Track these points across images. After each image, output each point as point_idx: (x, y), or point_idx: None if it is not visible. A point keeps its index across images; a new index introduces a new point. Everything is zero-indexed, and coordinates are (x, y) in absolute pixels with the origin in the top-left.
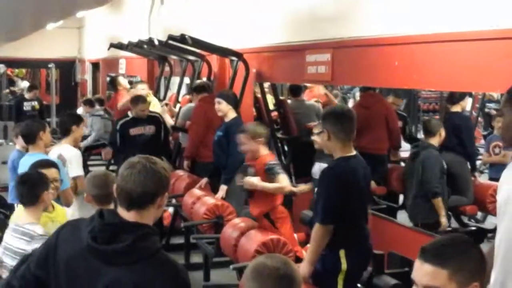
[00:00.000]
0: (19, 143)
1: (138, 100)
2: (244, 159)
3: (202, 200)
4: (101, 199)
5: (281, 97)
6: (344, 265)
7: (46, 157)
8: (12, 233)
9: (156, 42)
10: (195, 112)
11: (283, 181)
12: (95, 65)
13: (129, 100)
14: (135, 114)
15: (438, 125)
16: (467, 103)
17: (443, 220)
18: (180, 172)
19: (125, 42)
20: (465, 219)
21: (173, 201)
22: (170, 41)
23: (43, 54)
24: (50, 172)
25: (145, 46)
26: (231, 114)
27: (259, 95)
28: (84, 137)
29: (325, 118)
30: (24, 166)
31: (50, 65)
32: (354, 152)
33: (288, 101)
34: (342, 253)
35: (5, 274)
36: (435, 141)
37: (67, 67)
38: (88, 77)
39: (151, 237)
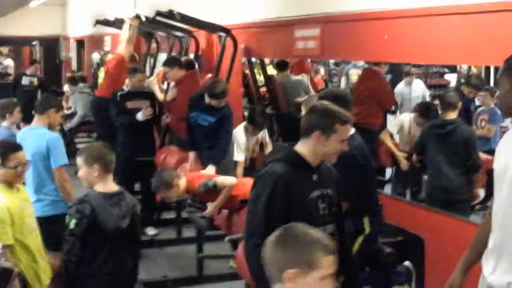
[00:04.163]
0: (11, 119)
1: (136, 70)
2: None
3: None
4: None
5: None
6: (367, 230)
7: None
8: None
9: (144, 18)
10: (180, 87)
11: (225, 182)
12: (80, 43)
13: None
14: (132, 86)
15: (457, 97)
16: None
17: (479, 192)
18: (171, 147)
19: (111, 18)
20: None
21: None
22: (158, 17)
23: (27, 32)
24: (19, 155)
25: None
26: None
27: (247, 71)
28: (68, 116)
29: (325, 98)
30: (22, 138)
31: (34, 43)
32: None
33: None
34: (366, 220)
35: None
36: (456, 114)
37: (51, 44)
38: (73, 54)
39: None
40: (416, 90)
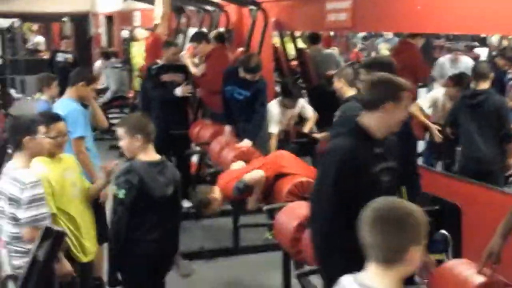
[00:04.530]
0: (49, 93)
1: (170, 44)
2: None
3: (230, 147)
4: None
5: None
6: (405, 198)
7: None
8: (4, 177)
9: None
10: (209, 62)
11: (254, 177)
12: (109, 18)
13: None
14: (166, 59)
15: (489, 68)
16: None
17: None
18: (204, 121)
19: None
20: None
21: (197, 149)
22: None
23: (56, 8)
24: (58, 126)
25: None
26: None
27: (277, 45)
28: (101, 90)
29: (377, 67)
30: (58, 108)
31: (64, 19)
32: None
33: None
34: (403, 189)
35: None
36: (488, 84)
37: (80, 21)
38: (102, 30)
39: None
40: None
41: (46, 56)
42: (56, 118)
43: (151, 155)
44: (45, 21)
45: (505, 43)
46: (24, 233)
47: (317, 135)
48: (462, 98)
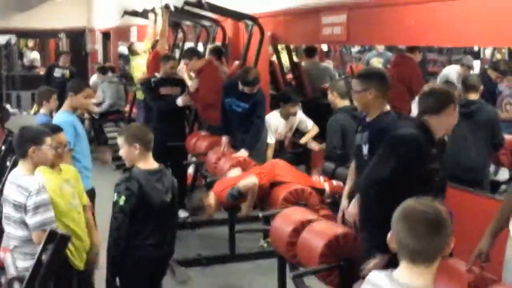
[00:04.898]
0: (48, 106)
1: (169, 58)
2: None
3: (226, 157)
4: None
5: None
6: None
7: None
8: (9, 184)
9: (173, 8)
10: (201, 77)
11: (247, 184)
12: (105, 35)
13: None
14: (164, 73)
15: (478, 80)
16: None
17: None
18: (201, 132)
19: (136, 9)
20: None
21: (193, 159)
22: (186, 7)
23: (52, 25)
24: (58, 137)
25: (161, 13)
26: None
27: (273, 59)
28: (97, 105)
29: (370, 77)
30: (55, 121)
31: (60, 35)
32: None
33: (302, 63)
34: None
35: (6, 225)
36: (478, 96)
37: (76, 37)
38: (99, 46)
39: None
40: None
41: (41, 71)
42: (57, 129)
43: (150, 163)
44: (42, 37)
45: (498, 56)
46: (34, 237)
47: (315, 147)
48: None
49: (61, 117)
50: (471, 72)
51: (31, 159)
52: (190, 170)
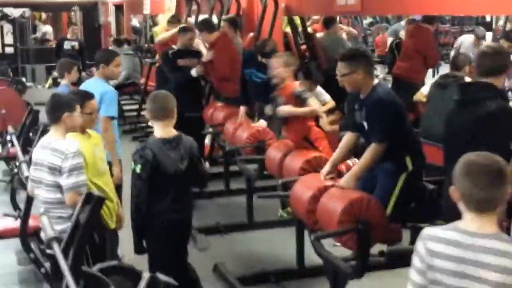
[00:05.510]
0: (69, 78)
1: (186, 29)
2: None
3: (243, 126)
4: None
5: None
6: (410, 167)
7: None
8: (41, 149)
9: None
10: (215, 49)
11: (313, 105)
12: (118, 7)
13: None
14: (182, 44)
15: (466, 59)
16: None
17: None
18: (217, 103)
19: None
20: None
21: (210, 130)
22: None
23: None
24: (91, 103)
25: None
26: None
27: (287, 30)
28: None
29: (356, 58)
30: (90, 87)
31: (74, 8)
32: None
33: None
34: (408, 158)
35: (36, 189)
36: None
37: (89, 9)
38: (112, 19)
39: None
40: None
41: (54, 45)
42: (90, 96)
43: (167, 131)
44: (56, 10)
45: (509, 26)
46: (67, 199)
47: (328, 127)
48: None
49: (105, 86)
50: (483, 42)
51: (64, 124)
52: (207, 140)
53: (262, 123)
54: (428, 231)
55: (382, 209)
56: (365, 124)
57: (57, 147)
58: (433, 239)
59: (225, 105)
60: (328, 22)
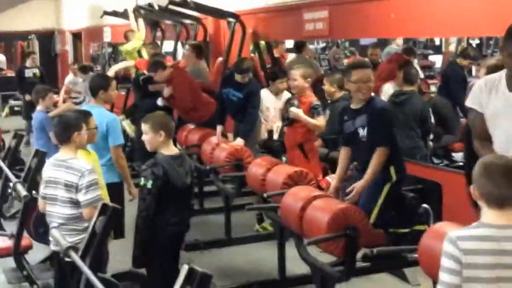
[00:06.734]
0: (44, 104)
1: (155, 55)
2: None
3: (221, 146)
4: None
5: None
6: (394, 177)
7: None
8: (55, 168)
9: (156, 7)
10: (173, 84)
11: (322, 122)
12: (76, 35)
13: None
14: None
15: (416, 75)
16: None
17: None
18: (189, 126)
19: (107, 9)
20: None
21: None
22: (170, 6)
23: (21, 27)
24: (92, 119)
25: (142, 12)
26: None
27: (253, 55)
28: (77, 104)
29: (358, 66)
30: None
31: (30, 37)
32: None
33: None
34: (392, 168)
35: (50, 206)
36: (414, 88)
37: (45, 38)
38: (69, 47)
39: None
40: None
41: (8, 74)
42: (89, 114)
43: (172, 149)
44: (11, 40)
45: (460, 47)
46: (84, 213)
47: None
48: (390, 97)
49: (109, 115)
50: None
51: (74, 143)
52: None
53: (239, 142)
54: (457, 233)
55: (366, 217)
56: (360, 130)
57: (72, 165)
58: (465, 239)
59: (197, 127)
60: (299, 46)
